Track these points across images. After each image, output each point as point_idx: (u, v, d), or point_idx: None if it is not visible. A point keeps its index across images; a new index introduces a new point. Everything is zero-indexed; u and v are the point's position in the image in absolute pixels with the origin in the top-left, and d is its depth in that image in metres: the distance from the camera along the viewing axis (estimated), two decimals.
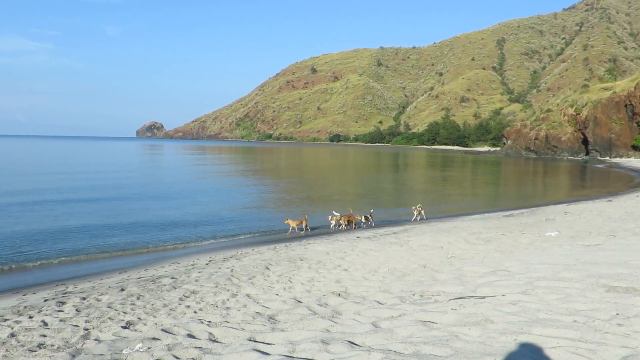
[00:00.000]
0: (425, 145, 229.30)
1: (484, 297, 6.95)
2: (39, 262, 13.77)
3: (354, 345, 5.31)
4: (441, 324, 5.86)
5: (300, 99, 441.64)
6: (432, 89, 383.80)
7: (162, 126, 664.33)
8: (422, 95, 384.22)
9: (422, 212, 22.25)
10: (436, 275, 9.27)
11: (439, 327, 5.72)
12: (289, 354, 5.17)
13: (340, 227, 19.53)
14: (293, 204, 27.52)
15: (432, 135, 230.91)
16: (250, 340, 5.88)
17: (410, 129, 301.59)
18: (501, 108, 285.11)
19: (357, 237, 16.75)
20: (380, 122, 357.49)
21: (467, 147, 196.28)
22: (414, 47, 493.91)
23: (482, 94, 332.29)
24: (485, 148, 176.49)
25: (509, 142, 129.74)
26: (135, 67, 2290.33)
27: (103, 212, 22.50)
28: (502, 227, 16.84)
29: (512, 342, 4.96)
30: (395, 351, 4.93)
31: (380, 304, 7.34)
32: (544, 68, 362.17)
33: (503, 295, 6.91)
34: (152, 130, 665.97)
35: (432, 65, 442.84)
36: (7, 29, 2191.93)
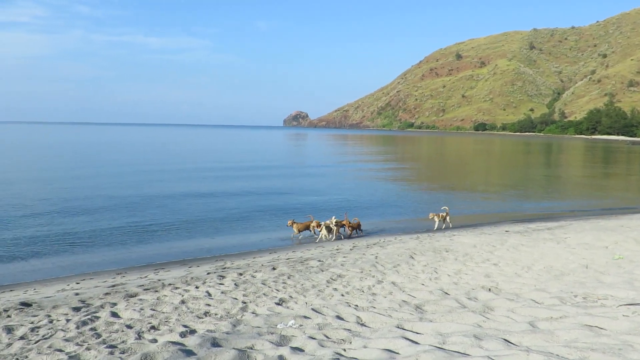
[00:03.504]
0: (584, 134, 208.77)
1: None
2: (202, 241, 15.26)
3: (509, 343, 5.01)
4: (611, 330, 5.28)
5: (444, 86, 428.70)
6: (593, 72, 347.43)
7: (307, 115, 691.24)
8: (581, 79, 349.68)
9: (448, 218, 17.57)
10: (601, 277, 8.39)
11: (609, 334, 5.15)
12: (440, 346, 5.04)
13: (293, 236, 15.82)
14: (436, 192, 26.89)
15: (592, 123, 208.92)
16: (398, 327, 5.85)
17: (566, 117, 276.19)
18: None
19: (506, 231, 15.86)
20: (532, 109, 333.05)
21: (634, 137, 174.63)
22: (572, 28, 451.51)
23: None
24: None
25: None
26: (282, 59, 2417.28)
27: (260, 197, 24.18)
28: None
29: None
30: (557, 355, 4.54)
31: (537, 303, 6.84)
32: None
33: None
34: (297, 120, 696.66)
35: (594, 46, 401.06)
36: (175, 29, 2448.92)
